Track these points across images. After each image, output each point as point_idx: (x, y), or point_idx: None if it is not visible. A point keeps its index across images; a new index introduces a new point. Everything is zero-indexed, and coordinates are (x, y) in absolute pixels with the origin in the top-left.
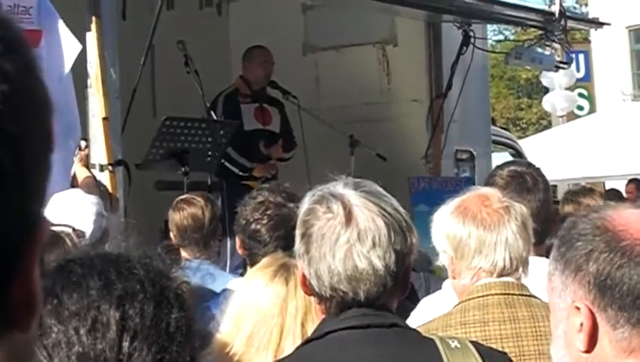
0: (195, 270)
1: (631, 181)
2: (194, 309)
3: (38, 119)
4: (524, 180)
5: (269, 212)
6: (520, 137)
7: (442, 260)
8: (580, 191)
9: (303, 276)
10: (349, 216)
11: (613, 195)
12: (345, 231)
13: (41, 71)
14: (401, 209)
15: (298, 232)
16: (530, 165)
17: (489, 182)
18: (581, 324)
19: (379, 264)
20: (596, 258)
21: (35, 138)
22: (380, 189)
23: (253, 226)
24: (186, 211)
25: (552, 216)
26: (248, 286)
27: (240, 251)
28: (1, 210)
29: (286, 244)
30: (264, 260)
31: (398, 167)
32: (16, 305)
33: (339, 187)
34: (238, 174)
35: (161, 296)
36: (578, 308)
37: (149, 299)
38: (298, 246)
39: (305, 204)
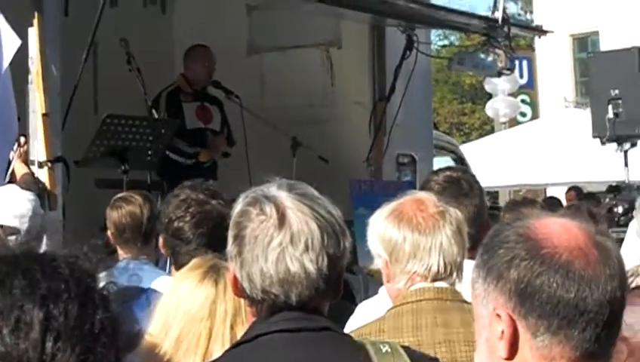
0: (123, 270)
1: (571, 188)
2: (119, 310)
3: None
4: (461, 185)
5: (191, 209)
6: (463, 142)
7: (377, 264)
8: (522, 202)
9: (235, 278)
10: (282, 219)
11: (553, 203)
12: (278, 233)
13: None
14: (334, 212)
15: (231, 234)
16: (465, 171)
17: (424, 188)
18: (502, 332)
19: (311, 267)
20: (517, 265)
21: None
22: (314, 192)
23: (176, 224)
24: (124, 209)
25: (486, 222)
26: (177, 288)
27: (163, 250)
28: None
29: (209, 241)
30: (193, 261)
31: (340, 169)
32: None
33: (272, 189)
34: (185, 165)
35: (86, 296)
36: (499, 316)
37: (74, 298)
38: (230, 248)
39: (238, 206)
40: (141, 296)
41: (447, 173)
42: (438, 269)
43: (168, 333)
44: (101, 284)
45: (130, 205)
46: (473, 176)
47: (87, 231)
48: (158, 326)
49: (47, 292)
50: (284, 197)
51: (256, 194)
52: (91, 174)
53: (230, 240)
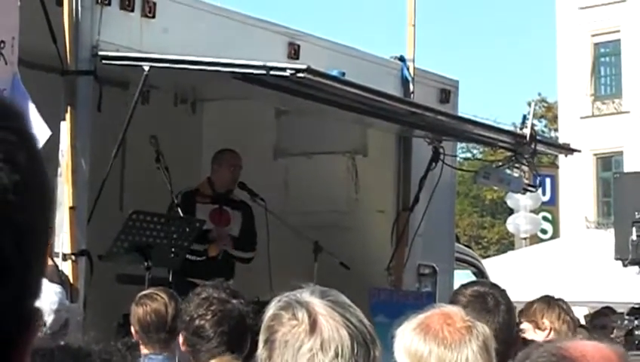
0: None
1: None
2: None
3: (43, 211)
4: (485, 301)
5: (212, 307)
6: (482, 256)
7: None
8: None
9: None
10: (313, 325)
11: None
12: (308, 339)
13: (45, 163)
14: (366, 321)
15: (261, 338)
16: (494, 286)
17: (453, 301)
18: None
19: None
20: None
21: (38, 230)
22: (346, 299)
23: (197, 322)
24: (149, 307)
25: (512, 339)
26: None
27: (183, 348)
28: (2, 301)
29: (229, 340)
30: None
31: (361, 276)
32: None
33: (305, 294)
34: (197, 261)
35: None
36: None
37: None
38: (261, 351)
39: (270, 310)
40: None
41: (475, 287)
42: None
43: None
44: None
45: (156, 303)
46: (502, 292)
47: (106, 326)
48: None
49: None
50: (317, 304)
51: (289, 299)
52: (112, 269)
53: (261, 344)
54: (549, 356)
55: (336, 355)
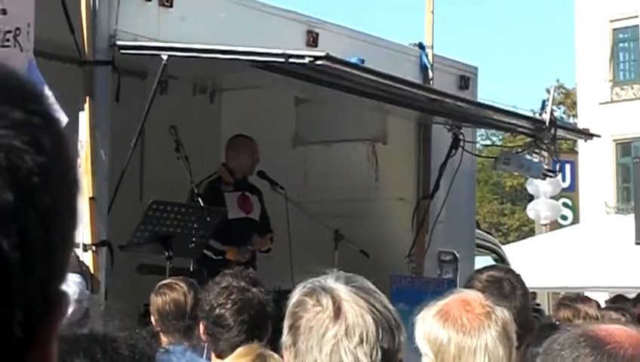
0: (181, 356)
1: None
2: None
3: (68, 194)
4: (502, 286)
5: (232, 296)
6: (502, 242)
7: None
8: (578, 298)
9: None
10: (337, 311)
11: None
12: (333, 325)
13: (71, 147)
14: (390, 307)
15: (286, 324)
16: (509, 271)
17: (468, 286)
18: None
19: (365, 361)
20: None
21: (63, 213)
22: (371, 285)
23: (217, 311)
24: (168, 296)
25: (529, 324)
26: None
27: (203, 337)
28: (28, 283)
29: (250, 328)
30: (240, 349)
31: (381, 264)
32: None
33: (330, 281)
34: (214, 259)
35: None
36: None
37: None
38: (285, 337)
39: (295, 296)
40: None
41: (491, 272)
42: None
43: None
44: None
45: (175, 292)
46: (518, 277)
47: (129, 316)
48: None
49: None
50: (341, 290)
51: (313, 285)
52: (133, 260)
53: (285, 330)
54: (577, 337)
55: (361, 341)
